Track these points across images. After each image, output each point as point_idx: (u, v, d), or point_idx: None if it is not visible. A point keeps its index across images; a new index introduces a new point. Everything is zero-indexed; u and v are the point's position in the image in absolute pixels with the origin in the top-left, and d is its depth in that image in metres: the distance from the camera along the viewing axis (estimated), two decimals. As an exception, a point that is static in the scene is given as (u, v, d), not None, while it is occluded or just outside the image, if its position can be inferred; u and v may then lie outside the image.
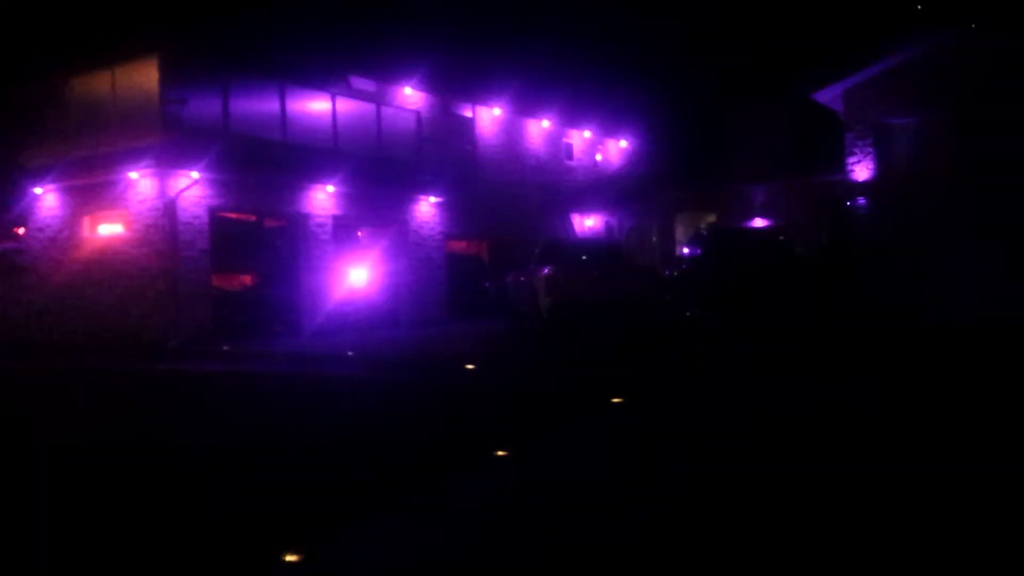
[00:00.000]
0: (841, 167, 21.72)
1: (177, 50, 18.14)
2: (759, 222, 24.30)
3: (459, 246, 26.01)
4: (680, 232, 26.68)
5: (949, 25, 21.01)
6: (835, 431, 7.08)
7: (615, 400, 8.78)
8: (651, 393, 9.43)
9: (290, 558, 4.45)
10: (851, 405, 8.18)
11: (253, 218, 20.38)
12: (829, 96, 22.20)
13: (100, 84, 19.02)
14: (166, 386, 12.28)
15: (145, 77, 18.13)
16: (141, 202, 18.19)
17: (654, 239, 27.29)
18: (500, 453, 6.61)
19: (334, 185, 20.79)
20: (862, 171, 21.33)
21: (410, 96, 24.25)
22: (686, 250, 21.30)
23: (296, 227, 20.53)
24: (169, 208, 17.82)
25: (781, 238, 19.71)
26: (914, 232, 19.46)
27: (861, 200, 21.36)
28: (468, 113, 26.21)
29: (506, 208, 25.89)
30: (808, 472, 5.83)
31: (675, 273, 20.46)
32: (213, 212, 18.70)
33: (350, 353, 14.72)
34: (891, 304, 16.38)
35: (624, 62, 31.20)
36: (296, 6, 22.31)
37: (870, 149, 21.26)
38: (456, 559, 4.47)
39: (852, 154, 21.50)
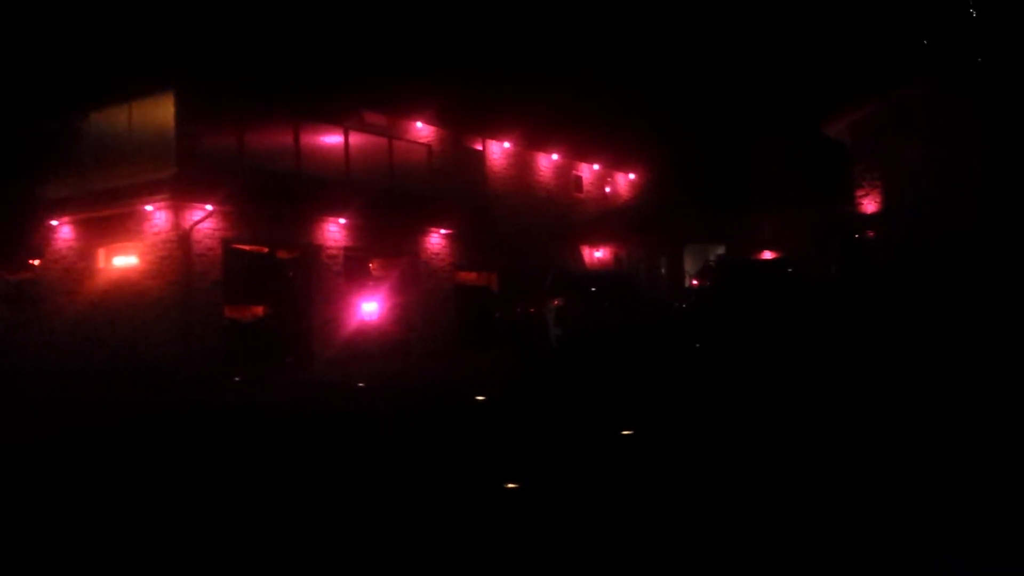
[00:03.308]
0: (850, 199, 21.84)
1: (193, 86, 18.46)
2: (768, 253, 24.40)
3: (469, 277, 26.17)
4: (689, 263, 26.79)
5: (955, 60, 21.21)
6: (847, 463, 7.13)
7: (625, 432, 8.84)
8: (660, 425, 9.49)
9: None
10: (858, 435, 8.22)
11: (266, 249, 20.60)
12: (836, 128, 22.39)
13: (117, 118, 19.33)
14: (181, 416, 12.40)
15: (161, 112, 18.44)
16: (156, 234, 18.43)
17: (663, 270, 27.40)
18: (510, 486, 6.68)
19: (346, 217, 21.02)
20: (870, 203, 21.45)
21: (421, 130, 24.55)
22: (695, 281, 21.40)
23: (308, 258, 20.72)
24: (183, 240, 18.04)
25: (790, 269, 19.79)
26: (921, 266, 19.50)
27: (869, 233, 21.45)
28: (479, 146, 26.50)
29: (516, 239, 26.06)
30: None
31: (684, 304, 20.53)
32: (226, 244, 18.92)
33: (361, 384, 14.83)
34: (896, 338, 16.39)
35: (633, 95, 31.49)
36: (310, 43, 22.69)
37: (878, 182, 21.38)
38: None
39: (860, 186, 21.63)
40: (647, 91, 32.33)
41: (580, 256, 29.05)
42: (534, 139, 27.70)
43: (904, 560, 4.63)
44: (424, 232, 23.62)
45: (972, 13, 22.67)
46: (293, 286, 20.78)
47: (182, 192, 18.02)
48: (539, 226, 27.47)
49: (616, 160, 31.80)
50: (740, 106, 31.65)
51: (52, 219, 20.12)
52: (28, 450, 9.50)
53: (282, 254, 21.07)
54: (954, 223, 19.63)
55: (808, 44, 31.56)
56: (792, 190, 24.70)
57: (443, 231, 24.04)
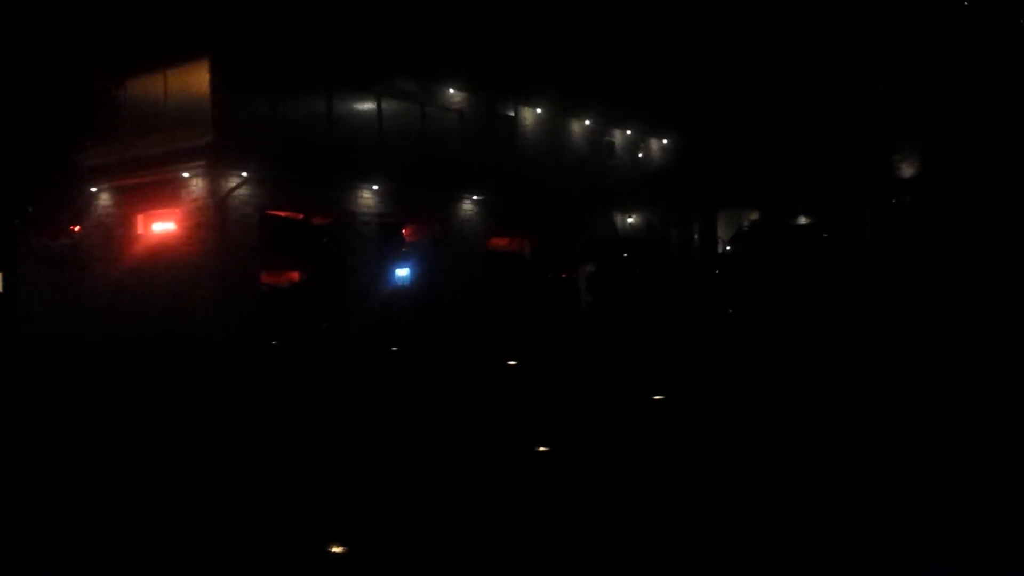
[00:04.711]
0: (887, 163, 21.54)
1: (228, 53, 18.54)
2: (803, 219, 24.18)
3: (501, 243, 26.19)
4: (722, 229, 26.64)
5: (994, 19, 20.70)
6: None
7: (656, 397, 8.91)
8: (691, 390, 9.55)
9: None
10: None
11: (300, 216, 20.79)
12: (873, 91, 22.05)
13: (153, 86, 19.48)
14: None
15: (196, 79, 18.58)
16: (192, 201, 18.64)
17: (696, 236, 27.27)
18: (542, 449, 6.80)
19: (379, 184, 21.11)
20: (908, 167, 21.16)
21: (453, 96, 24.50)
22: (728, 247, 21.31)
23: (342, 225, 20.87)
24: (220, 207, 18.24)
25: (824, 235, 19.64)
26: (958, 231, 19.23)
27: (908, 198, 21.19)
28: (510, 112, 26.39)
29: (547, 206, 26.01)
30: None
31: (717, 270, 20.48)
32: (262, 210, 19.11)
33: (395, 349, 15.03)
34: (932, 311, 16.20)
35: (666, 60, 31.10)
36: (342, 9, 22.63)
37: (916, 144, 21.07)
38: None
39: (897, 150, 21.32)
40: (681, 56, 31.91)
41: (612, 222, 28.95)
42: (565, 104, 27.50)
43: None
44: (456, 198, 23.67)
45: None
46: (328, 252, 20.97)
47: (218, 159, 18.19)
48: (571, 192, 27.36)
49: (648, 125, 31.49)
50: (775, 70, 31.15)
51: (91, 186, 20.36)
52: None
53: (317, 221, 21.24)
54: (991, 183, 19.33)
55: (846, 6, 30.90)
56: (828, 155, 24.34)
57: (475, 197, 24.07)
